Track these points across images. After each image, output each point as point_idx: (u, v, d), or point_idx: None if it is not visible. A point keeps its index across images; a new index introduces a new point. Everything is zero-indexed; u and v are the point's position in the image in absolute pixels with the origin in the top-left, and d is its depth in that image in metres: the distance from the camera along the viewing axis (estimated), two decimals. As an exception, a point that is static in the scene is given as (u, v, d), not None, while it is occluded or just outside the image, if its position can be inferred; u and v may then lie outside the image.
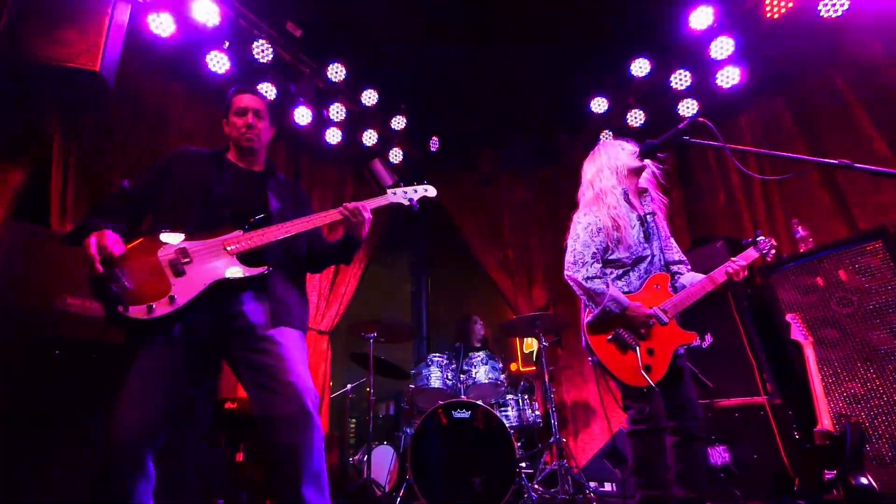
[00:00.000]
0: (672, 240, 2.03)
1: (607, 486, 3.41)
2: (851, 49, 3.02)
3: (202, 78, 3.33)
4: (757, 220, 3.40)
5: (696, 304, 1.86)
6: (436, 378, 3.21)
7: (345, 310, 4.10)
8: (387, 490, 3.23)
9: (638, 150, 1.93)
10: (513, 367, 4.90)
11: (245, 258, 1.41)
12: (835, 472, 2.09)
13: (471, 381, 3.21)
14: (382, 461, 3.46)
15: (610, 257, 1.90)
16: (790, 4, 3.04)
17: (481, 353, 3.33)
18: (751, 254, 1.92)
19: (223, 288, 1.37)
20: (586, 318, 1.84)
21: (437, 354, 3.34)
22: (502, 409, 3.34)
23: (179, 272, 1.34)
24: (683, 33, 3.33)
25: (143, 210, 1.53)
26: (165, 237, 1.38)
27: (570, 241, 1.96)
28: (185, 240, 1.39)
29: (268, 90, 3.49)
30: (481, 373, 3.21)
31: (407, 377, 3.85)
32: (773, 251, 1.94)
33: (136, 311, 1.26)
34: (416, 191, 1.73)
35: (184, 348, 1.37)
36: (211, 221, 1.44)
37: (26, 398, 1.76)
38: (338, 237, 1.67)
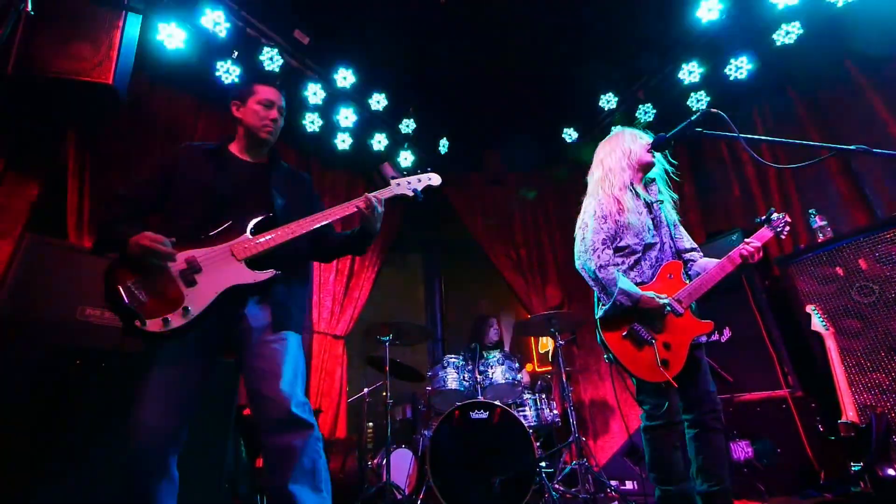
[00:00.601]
0: (682, 228, 2.01)
1: (628, 485, 3.37)
2: (864, 35, 2.99)
3: (212, 88, 3.36)
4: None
5: (713, 295, 1.82)
6: (452, 379, 3.21)
7: (359, 314, 4.11)
8: (406, 493, 3.22)
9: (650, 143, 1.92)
10: (528, 367, 4.88)
11: (252, 261, 1.43)
12: (861, 463, 2.06)
13: (488, 382, 3.20)
14: (401, 464, 3.45)
15: (619, 244, 1.87)
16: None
17: (497, 354, 3.32)
18: (765, 233, 1.86)
19: (233, 294, 1.39)
20: (599, 312, 1.82)
21: (453, 356, 3.34)
22: (520, 409, 3.32)
23: (191, 282, 1.36)
24: (693, 25, 3.31)
25: (148, 210, 1.51)
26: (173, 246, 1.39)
27: (578, 231, 1.95)
28: (192, 247, 1.40)
29: (276, 97, 3.51)
30: (498, 373, 3.20)
31: (423, 380, 3.84)
32: (788, 228, 1.88)
33: (153, 325, 1.29)
34: (419, 180, 1.68)
35: (197, 353, 1.40)
36: (216, 225, 1.44)
37: (46, 405, 1.78)
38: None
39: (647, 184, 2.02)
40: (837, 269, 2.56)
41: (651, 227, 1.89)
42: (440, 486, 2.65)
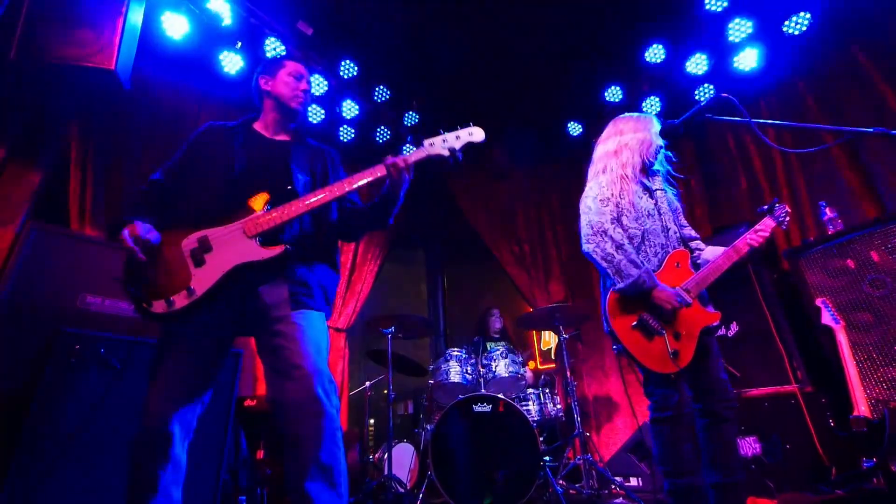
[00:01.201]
0: (683, 217, 1.97)
1: (633, 481, 3.33)
2: (874, 21, 2.94)
3: (215, 78, 3.35)
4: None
5: (720, 289, 1.79)
6: (455, 373, 3.17)
7: (361, 307, 4.08)
8: (408, 487, 3.19)
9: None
10: (531, 365, 4.84)
11: (268, 238, 1.36)
12: (874, 459, 2.01)
13: (491, 375, 3.16)
14: (403, 459, 3.42)
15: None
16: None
17: (501, 347, 3.29)
18: (768, 223, 1.83)
19: (241, 273, 1.33)
20: (606, 297, 1.76)
21: (456, 349, 3.30)
22: (523, 403, 3.29)
23: (200, 262, 1.33)
24: (699, 15, 3.27)
25: (177, 195, 1.48)
26: (189, 225, 1.37)
27: (582, 215, 1.90)
28: (206, 227, 1.36)
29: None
30: (501, 366, 3.17)
31: (425, 374, 3.81)
32: (788, 219, 1.87)
33: (158, 306, 1.28)
34: (457, 137, 1.42)
35: (206, 335, 1.36)
36: (233, 203, 1.38)
37: (49, 388, 1.76)
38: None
39: (652, 173, 1.98)
40: (848, 261, 2.52)
41: (654, 212, 1.85)
42: (442, 479, 2.62)
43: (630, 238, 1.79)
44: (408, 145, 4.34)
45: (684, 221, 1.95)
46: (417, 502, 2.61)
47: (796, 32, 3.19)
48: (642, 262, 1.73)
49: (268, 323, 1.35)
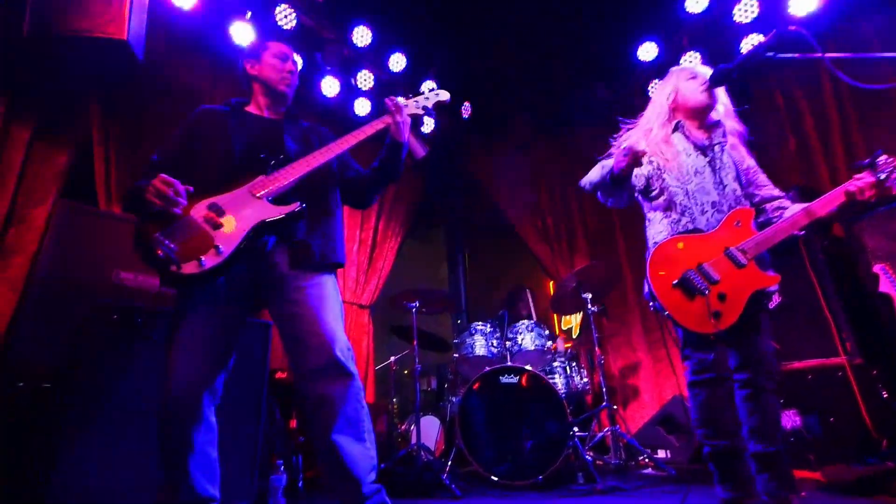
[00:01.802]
0: (760, 173, 1.79)
1: (661, 453, 3.29)
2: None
3: (227, 50, 3.28)
4: (835, 167, 3.05)
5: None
6: (480, 346, 3.15)
7: (384, 283, 4.08)
8: (435, 456, 3.24)
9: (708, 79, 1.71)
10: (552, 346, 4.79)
11: (276, 200, 1.41)
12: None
13: (517, 349, 3.13)
14: (428, 431, 3.47)
15: (654, 189, 1.75)
16: None
17: (527, 321, 3.23)
18: (866, 178, 1.57)
19: (263, 230, 1.36)
20: (650, 255, 1.68)
21: (480, 323, 3.27)
22: (549, 376, 3.25)
23: (216, 225, 1.34)
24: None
25: (177, 175, 1.47)
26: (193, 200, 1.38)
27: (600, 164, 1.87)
28: (213, 195, 1.39)
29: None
30: (527, 340, 3.12)
31: (448, 349, 3.82)
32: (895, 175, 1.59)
33: (189, 268, 1.28)
34: (426, 98, 1.69)
35: (228, 302, 1.39)
36: (232, 173, 1.43)
37: (91, 359, 1.82)
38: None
39: (710, 128, 1.81)
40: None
41: (702, 169, 1.71)
42: (470, 448, 2.63)
43: (668, 200, 1.70)
44: (428, 118, 4.21)
45: (762, 179, 1.78)
46: (446, 469, 2.64)
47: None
48: (680, 217, 1.68)
49: (283, 291, 1.39)
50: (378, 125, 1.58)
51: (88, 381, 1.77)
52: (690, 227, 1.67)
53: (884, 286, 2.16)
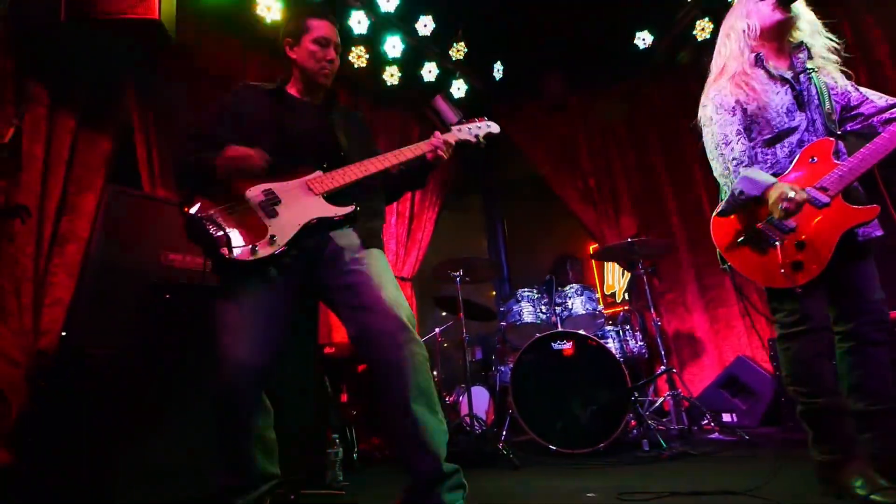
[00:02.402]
0: (856, 90, 1.53)
1: (726, 417, 3.13)
2: None
3: (255, 26, 3.22)
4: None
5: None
6: (528, 313, 3.05)
7: (423, 255, 4.02)
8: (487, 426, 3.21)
9: None
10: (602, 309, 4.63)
11: (329, 197, 1.40)
12: None
13: (566, 313, 3.01)
14: (477, 401, 3.43)
15: (753, 137, 1.53)
16: None
17: (575, 285, 3.10)
18: None
19: (316, 226, 1.35)
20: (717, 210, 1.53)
21: (527, 290, 3.16)
22: (603, 341, 3.12)
23: (272, 213, 1.31)
24: None
25: (220, 146, 1.43)
26: (243, 179, 1.34)
27: (704, 130, 1.62)
28: (267, 181, 1.36)
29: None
30: (577, 304, 3.00)
31: (492, 318, 3.74)
32: None
33: (242, 254, 1.23)
34: (479, 127, 1.66)
35: (279, 284, 1.35)
36: (287, 161, 1.40)
37: (145, 334, 1.85)
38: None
39: (793, 51, 1.59)
40: None
41: (793, 107, 1.51)
42: (525, 417, 2.56)
43: (764, 145, 1.52)
44: (457, 80, 4.04)
45: (860, 95, 1.52)
46: (501, 439, 2.59)
47: None
48: (753, 169, 1.46)
49: (339, 263, 1.37)
50: (425, 149, 1.56)
51: (149, 361, 1.79)
52: (767, 171, 1.49)
53: None
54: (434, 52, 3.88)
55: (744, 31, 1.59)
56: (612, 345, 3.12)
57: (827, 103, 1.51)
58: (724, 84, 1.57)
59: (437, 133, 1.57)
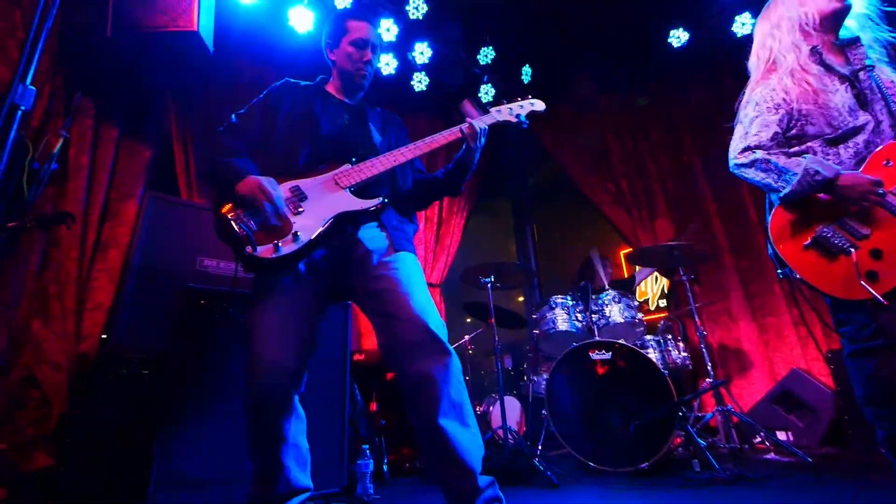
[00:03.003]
0: None
1: (781, 435, 2.89)
2: None
3: (289, 38, 3.28)
4: None
5: None
6: (563, 321, 2.92)
7: (452, 261, 3.96)
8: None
9: None
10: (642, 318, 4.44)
11: (356, 192, 1.38)
12: None
13: (604, 322, 2.86)
14: (508, 413, 3.31)
15: (800, 137, 1.41)
16: None
17: (612, 291, 2.96)
18: None
19: (342, 222, 1.34)
20: (770, 215, 1.41)
21: (560, 297, 3.04)
22: (643, 351, 2.95)
23: (298, 210, 1.31)
24: None
25: (254, 142, 1.47)
26: (274, 175, 1.34)
27: (737, 126, 1.51)
28: (295, 178, 1.36)
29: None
30: (615, 311, 2.85)
31: (523, 325, 3.63)
32: None
33: (265, 251, 1.24)
34: (521, 106, 1.58)
35: (309, 286, 1.34)
36: (319, 158, 1.42)
37: (185, 343, 1.84)
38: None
39: (847, 46, 1.47)
40: None
41: (854, 106, 1.38)
42: (562, 432, 2.43)
43: (810, 147, 1.40)
44: (485, 85, 4.00)
45: None
46: (537, 454, 2.47)
47: None
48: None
49: (368, 268, 1.34)
50: (452, 137, 1.50)
51: (185, 367, 1.79)
52: None
53: None
54: (462, 58, 3.85)
55: (801, 20, 1.47)
56: (653, 355, 2.95)
57: (893, 104, 1.38)
58: (778, 80, 1.45)
59: (469, 120, 1.51)
